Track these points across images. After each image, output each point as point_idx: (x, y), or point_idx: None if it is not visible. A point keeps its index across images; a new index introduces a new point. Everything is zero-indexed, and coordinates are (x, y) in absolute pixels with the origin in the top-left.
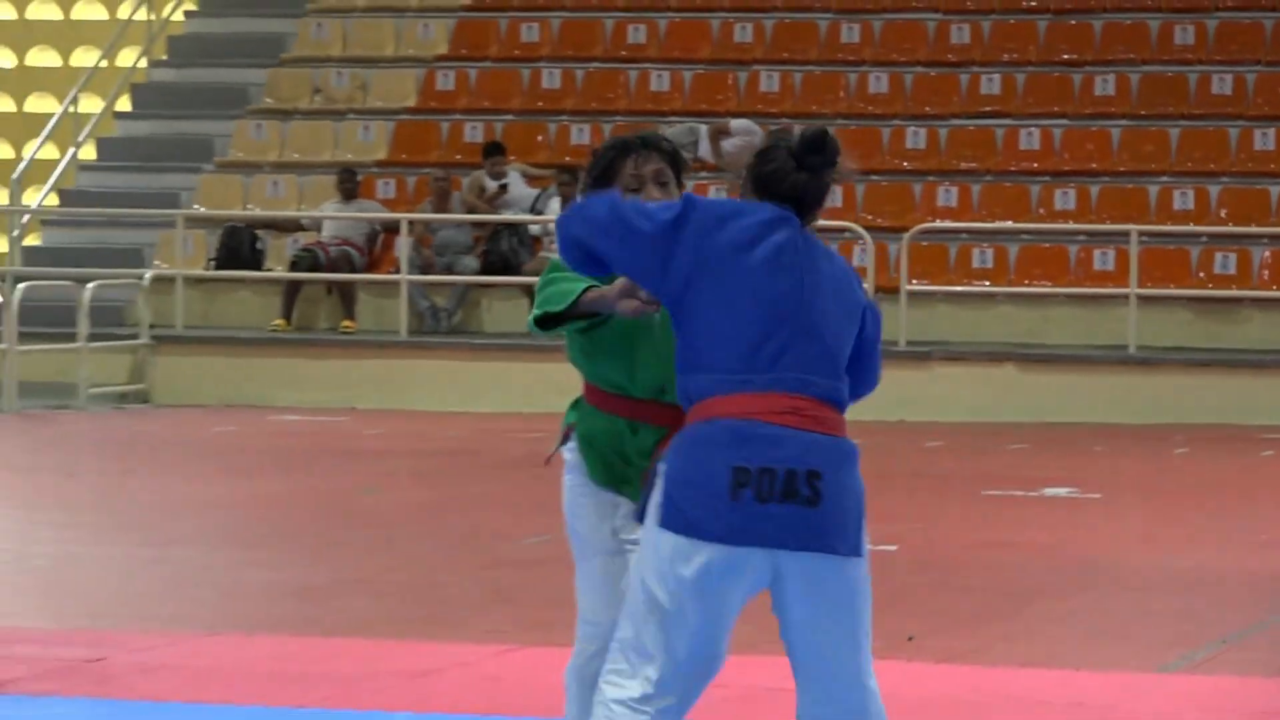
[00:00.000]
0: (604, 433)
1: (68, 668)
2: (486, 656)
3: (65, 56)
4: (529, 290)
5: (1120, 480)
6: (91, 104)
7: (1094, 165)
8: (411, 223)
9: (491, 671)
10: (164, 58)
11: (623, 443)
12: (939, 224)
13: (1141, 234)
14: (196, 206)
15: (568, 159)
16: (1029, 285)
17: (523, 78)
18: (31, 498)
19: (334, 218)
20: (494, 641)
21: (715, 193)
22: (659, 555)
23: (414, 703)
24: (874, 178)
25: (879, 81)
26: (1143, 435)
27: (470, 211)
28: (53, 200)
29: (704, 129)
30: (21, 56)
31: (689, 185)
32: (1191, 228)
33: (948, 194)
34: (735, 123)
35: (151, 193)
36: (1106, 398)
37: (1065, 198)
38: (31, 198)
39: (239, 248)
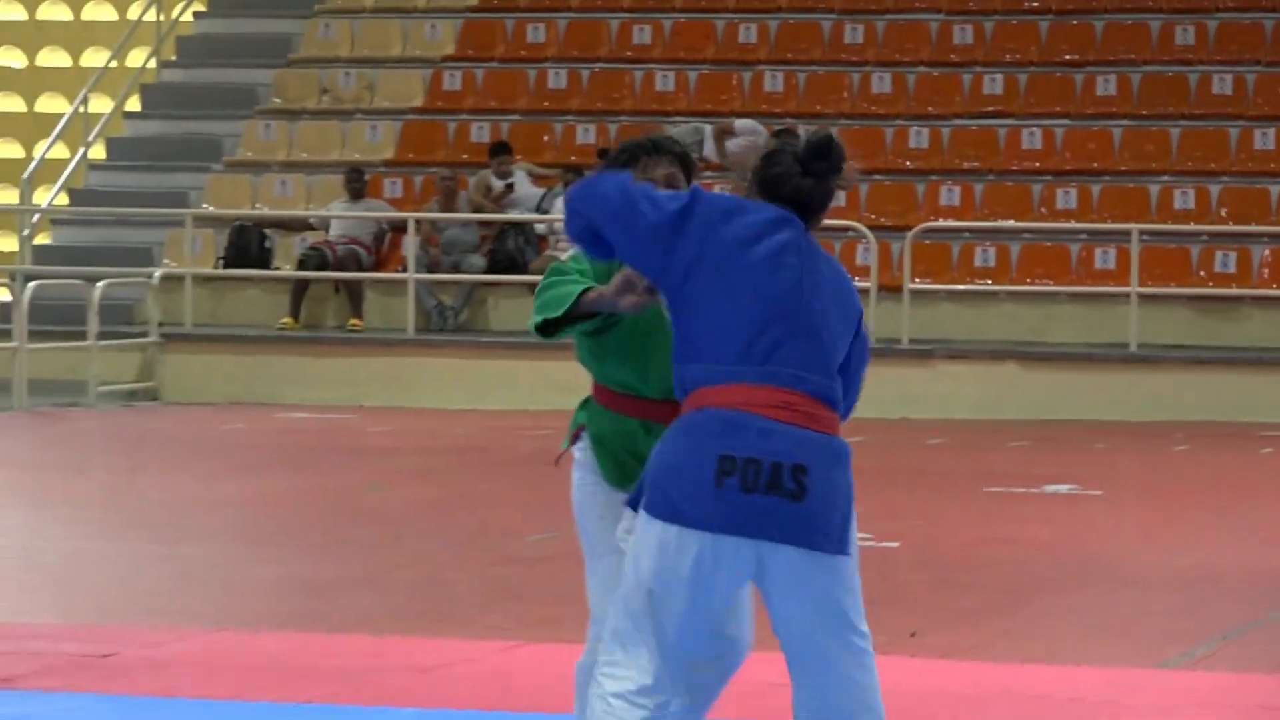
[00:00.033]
0: (616, 433)
1: (77, 663)
2: (493, 653)
3: (75, 57)
4: (535, 289)
5: (1120, 477)
6: (101, 104)
7: (1095, 165)
8: (418, 222)
9: (498, 668)
10: (173, 58)
11: (636, 442)
12: (942, 223)
13: (1142, 233)
14: (205, 206)
15: (573, 158)
16: (1031, 284)
17: (529, 78)
18: (41, 494)
19: (341, 217)
20: (501, 638)
21: (720, 191)
22: (645, 541)
23: (421, 698)
24: (877, 177)
25: (882, 81)
26: (1143, 433)
27: (477, 210)
28: (63, 199)
29: (708, 129)
30: (32, 57)
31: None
32: (1192, 227)
33: (950, 193)
34: (740, 122)
35: (161, 192)
36: (1107, 395)
37: (1067, 197)
38: (42, 197)
39: (247, 247)
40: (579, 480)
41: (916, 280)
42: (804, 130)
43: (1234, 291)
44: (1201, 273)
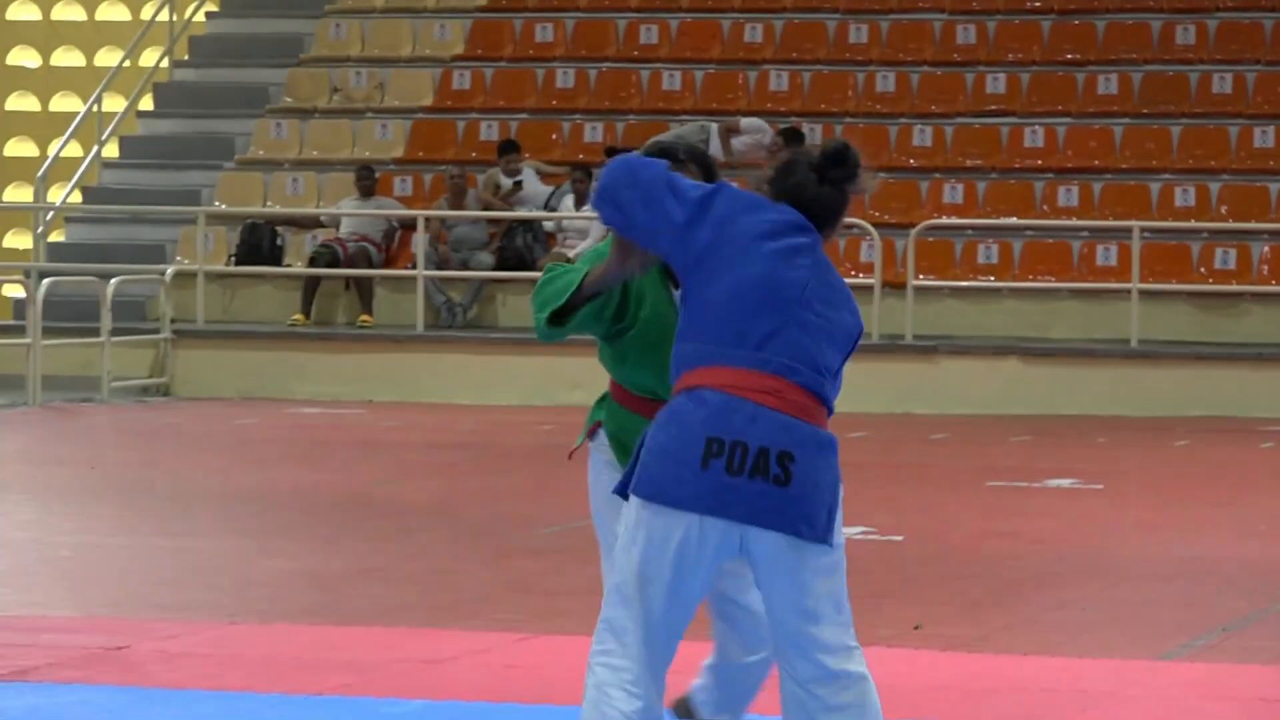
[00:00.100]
0: (635, 432)
1: (90, 656)
2: (501, 645)
3: (89, 57)
4: None
5: (1122, 472)
6: (115, 103)
7: (1097, 163)
8: (428, 219)
9: (506, 660)
10: (186, 58)
11: None
12: (945, 220)
13: (1143, 230)
14: (217, 203)
15: (581, 157)
16: (1033, 280)
17: (537, 77)
18: (55, 489)
19: (352, 214)
20: (510, 630)
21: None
22: (633, 525)
23: (429, 690)
24: (881, 175)
25: (886, 81)
26: (1144, 427)
27: (485, 208)
28: (76, 197)
29: (715, 127)
30: (47, 57)
31: None
32: (1192, 224)
33: (954, 191)
34: (745, 121)
35: (173, 190)
36: (1109, 391)
37: (1069, 195)
38: (56, 195)
39: (259, 244)
40: (595, 476)
41: (920, 277)
42: (808, 129)
43: (1234, 288)
44: (1202, 269)
